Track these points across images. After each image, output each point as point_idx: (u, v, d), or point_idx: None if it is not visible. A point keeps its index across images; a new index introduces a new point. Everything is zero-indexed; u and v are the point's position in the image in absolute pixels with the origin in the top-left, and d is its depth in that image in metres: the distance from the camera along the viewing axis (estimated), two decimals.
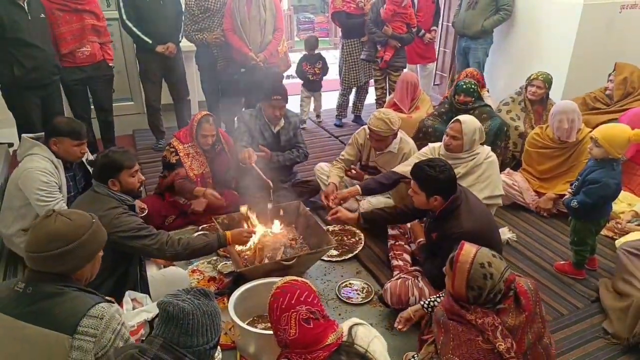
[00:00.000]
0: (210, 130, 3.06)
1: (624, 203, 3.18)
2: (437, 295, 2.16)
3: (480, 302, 1.63)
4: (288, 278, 1.52)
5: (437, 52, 5.42)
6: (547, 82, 3.66)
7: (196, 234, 2.97)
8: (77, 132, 2.55)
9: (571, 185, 2.71)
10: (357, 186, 2.97)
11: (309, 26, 10.59)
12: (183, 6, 3.94)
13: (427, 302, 2.14)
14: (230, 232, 2.35)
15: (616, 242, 2.96)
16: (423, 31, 4.94)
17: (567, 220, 2.79)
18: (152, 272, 2.45)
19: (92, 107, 3.92)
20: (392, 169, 2.98)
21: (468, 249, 1.68)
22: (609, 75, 3.77)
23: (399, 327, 2.18)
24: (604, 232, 2.92)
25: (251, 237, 2.45)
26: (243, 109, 4.12)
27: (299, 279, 1.53)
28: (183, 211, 3.10)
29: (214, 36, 3.86)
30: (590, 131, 2.91)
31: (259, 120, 3.31)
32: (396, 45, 4.44)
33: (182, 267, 2.63)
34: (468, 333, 1.63)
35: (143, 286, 2.25)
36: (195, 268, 2.74)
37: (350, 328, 1.51)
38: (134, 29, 3.74)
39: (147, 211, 2.77)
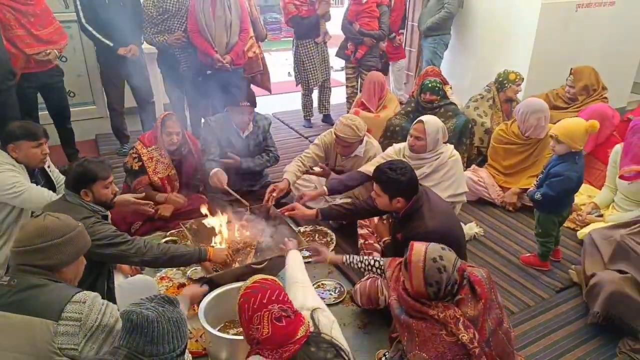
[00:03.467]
0: (174, 127, 2.99)
1: (584, 195, 3.30)
2: (372, 257, 2.22)
3: (441, 297, 1.67)
4: (256, 277, 1.52)
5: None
6: (522, 79, 3.82)
7: (164, 240, 2.92)
8: (33, 132, 2.47)
9: (537, 178, 2.78)
10: (324, 187, 2.97)
11: (276, 26, 10.55)
12: None
13: (355, 260, 2.22)
14: (213, 250, 2.33)
15: (578, 233, 3.07)
16: (394, 34, 5.01)
17: (532, 214, 2.87)
18: (119, 281, 2.38)
19: (49, 114, 3.78)
20: (357, 169, 3.00)
21: (418, 248, 1.72)
22: (567, 78, 3.89)
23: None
24: (566, 223, 3.01)
25: (231, 258, 2.43)
26: (210, 115, 4.08)
27: (268, 277, 1.53)
28: (149, 217, 3.02)
29: (175, 38, 3.78)
30: (549, 133, 3.00)
31: (226, 125, 3.26)
32: (371, 42, 4.46)
33: (150, 275, 2.56)
34: (432, 328, 1.66)
35: (110, 298, 2.18)
36: (164, 275, 2.68)
37: (312, 315, 1.54)
38: (93, 31, 3.63)
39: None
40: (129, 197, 2.71)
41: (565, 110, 3.86)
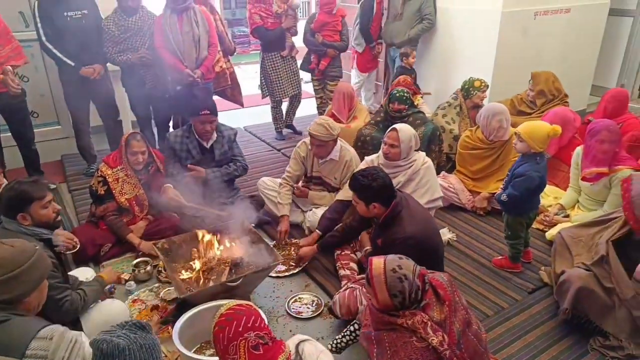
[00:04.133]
0: (139, 147, 2.94)
1: (551, 197, 3.39)
2: (346, 329, 2.16)
3: (407, 305, 1.69)
4: (231, 303, 1.48)
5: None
6: (487, 86, 3.93)
7: (136, 261, 2.85)
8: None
9: (504, 182, 2.85)
10: (317, 231, 3.04)
11: (244, 40, 10.54)
12: None
13: (334, 343, 2.14)
14: (103, 273, 2.42)
15: (546, 234, 3.15)
16: (374, 43, 5.08)
17: (502, 217, 2.93)
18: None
19: (12, 136, 3.66)
20: (336, 198, 3.08)
21: (376, 262, 1.74)
22: (529, 82, 4.02)
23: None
24: (534, 225, 3.09)
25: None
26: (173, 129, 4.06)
27: (243, 302, 1.50)
28: (119, 239, 2.95)
29: (138, 56, 3.72)
30: (515, 132, 3.09)
31: (188, 138, 3.23)
32: (334, 54, 4.53)
33: (121, 299, 2.50)
34: (402, 337, 1.67)
35: (73, 321, 2.10)
36: (136, 298, 2.61)
37: (297, 346, 1.50)
38: (55, 50, 3.55)
39: (78, 246, 2.57)
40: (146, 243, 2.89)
41: (530, 115, 3.98)
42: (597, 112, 3.77)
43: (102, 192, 2.96)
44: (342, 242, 2.87)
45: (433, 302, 1.73)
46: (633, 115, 3.82)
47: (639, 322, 2.19)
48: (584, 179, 3.06)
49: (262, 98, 4.94)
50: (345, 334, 2.13)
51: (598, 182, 3.00)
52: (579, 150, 3.15)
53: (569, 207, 3.26)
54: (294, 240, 3.13)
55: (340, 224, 2.95)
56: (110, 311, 2.23)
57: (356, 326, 2.12)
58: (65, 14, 3.51)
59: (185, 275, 2.52)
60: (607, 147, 2.90)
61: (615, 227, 2.39)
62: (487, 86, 3.91)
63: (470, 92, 3.89)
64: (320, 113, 4.89)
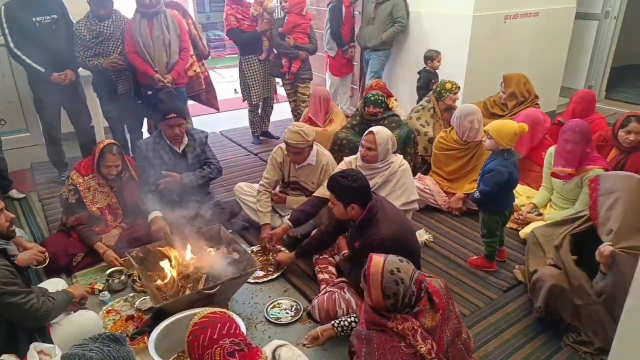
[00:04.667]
0: (114, 161, 2.89)
1: (524, 196, 3.47)
2: (348, 316, 2.19)
3: (399, 309, 1.69)
4: (205, 311, 1.46)
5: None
6: (458, 87, 3.99)
7: (109, 270, 2.79)
8: None
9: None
10: (288, 221, 2.99)
11: (219, 44, 10.47)
12: None
13: (337, 322, 2.15)
14: (71, 287, 2.32)
15: (520, 232, 3.21)
16: (347, 46, 5.10)
17: (477, 217, 2.98)
18: (59, 318, 2.24)
19: None
20: (314, 194, 3.05)
21: (376, 260, 1.74)
22: (501, 84, 4.10)
23: (304, 342, 2.17)
24: (508, 224, 3.14)
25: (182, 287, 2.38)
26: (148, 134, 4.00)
27: (217, 310, 1.48)
28: (92, 248, 2.88)
29: (110, 61, 3.65)
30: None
31: (159, 144, 3.18)
32: (305, 56, 4.54)
33: (95, 310, 2.44)
34: (391, 340, 1.67)
35: (41, 335, 2.03)
36: (110, 308, 2.55)
37: (274, 351, 1.49)
38: (23, 56, 3.46)
39: (47, 260, 2.51)
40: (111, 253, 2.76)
41: (502, 117, 4.06)
42: (566, 113, 3.88)
43: (73, 201, 2.89)
44: (319, 248, 2.86)
45: (426, 309, 1.73)
46: (600, 116, 3.95)
47: (594, 315, 2.26)
48: (553, 174, 3.13)
49: (243, 101, 4.92)
50: (349, 319, 2.13)
51: (570, 181, 3.07)
52: (551, 150, 3.22)
53: (542, 206, 3.34)
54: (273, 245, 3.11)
55: (317, 230, 2.94)
56: (82, 323, 2.17)
57: (353, 317, 2.13)
58: (33, 19, 3.43)
59: (160, 282, 2.47)
60: (571, 147, 2.98)
61: (579, 222, 2.46)
62: (459, 88, 3.98)
63: (442, 94, 3.96)
64: (295, 116, 4.89)
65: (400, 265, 1.71)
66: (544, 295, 2.33)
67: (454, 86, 3.95)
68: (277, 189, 3.37)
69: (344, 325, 2.12)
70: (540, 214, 3.29)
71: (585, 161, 3.01)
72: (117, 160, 2.91)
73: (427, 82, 4.47)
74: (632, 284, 1.38)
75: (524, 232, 3.15)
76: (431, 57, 4.49)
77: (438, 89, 3.98)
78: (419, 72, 4.60)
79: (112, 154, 2.89)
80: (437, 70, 4.52)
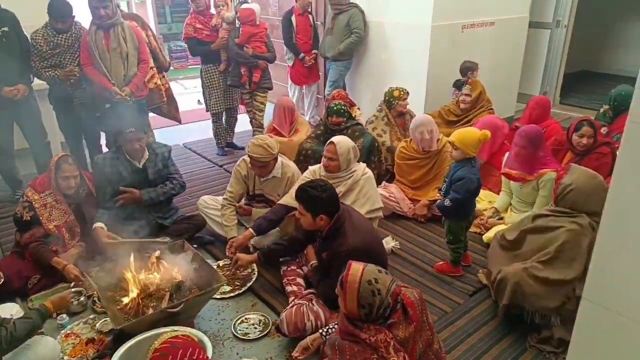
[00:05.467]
0: (70, 171, 2.79)
1: (485, 201, 3.55)
2: (335, 322, 2.19)
3: (372, 319, 1.69)
4: (166, 336, 1.41)
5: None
6: (407, 93, 4.06)
7: (65, 291, 2.66)
8: None
9: (439, 190, 2.96)
10: (250, 229, 2.95)
11: (182, 54, 10.33)
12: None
13: (325, 330, 2.15)
14: (51, 300, 2.20)
15: (483, 237, 3.28)
16: (302, 54, 5.13)
17: (442, 223, 3.03)
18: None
19: None
20: (279, 202, 3.01)
21: (355, 268, 1.73)
22: (463, 88, 4.20)
23: (296, 354, 2.16)
24: (471, 229, 3.21)
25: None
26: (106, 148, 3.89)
27: (179, 332, 1.43)
28: (49, 268, 2.75)
29: (66, 72, 3.55)
30: (447, 140, 3.24)
31: (118, 159, 3.09)
32: (265, 65, 4.52)
33: (53, 335, 2.32)
34: (363, 352, 1.66)
35: None
36: (69, 332, 2.44)
37: None
38: None
39: (2, 279, 2.39)
40: (72, 267, 2.64)
41: (457, 123, 4.18)
42: (522, 119, 4.02)
43: (28, 218, 2.77)
44: (284, 254, 2.82)
45: (400, 321, 1.72)
46: (555, 121, 4.10)
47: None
48: (504, 174, 3.23)
49: (207, 111, 4.87)
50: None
51: (527, 183, 3.17)
52: (508, 155, 3.32)
53: (503, 209, 3.43)
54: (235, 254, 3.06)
55: (286, 236, 2.90)
56: (38, 350, 2.06)
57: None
58: None
59: (123, 301, 2.38)
60: (517, 151, 3.10)
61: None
62: (407, 93, 4.04)
63: (391, 102, 4.04)
64: (254, 125, 4.84)
65: (378, 275, 1.71)
66: (509, 293, 2.38)
67: (402, 92, 4.03)
68: (243, 201, 3.33)
69: (333, 332, 2.10)
70: (501, 218, 3.37)
71: (539, 165, 3.11)
72: (74, 170, 2.81)
73: None
74: (585, 288, 1.43)
75: (487, 236, 3.23)
76: (471, 68, 4.54)
77: (387, 98, 4.07)
78: (457, 85, 4.62)
79: (68, 163, 2.80)
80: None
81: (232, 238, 3.04)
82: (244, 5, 4.56)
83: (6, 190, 3.91)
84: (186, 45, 4.78)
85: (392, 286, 1.72)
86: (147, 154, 3.14)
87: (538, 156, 3.10)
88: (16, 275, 2.67)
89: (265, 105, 4.80)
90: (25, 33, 3.54)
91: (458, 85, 4.55)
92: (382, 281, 1.70)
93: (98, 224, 2.91)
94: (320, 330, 2.17)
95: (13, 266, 2.71)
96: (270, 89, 4.78)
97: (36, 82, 3.71)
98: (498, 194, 3.54)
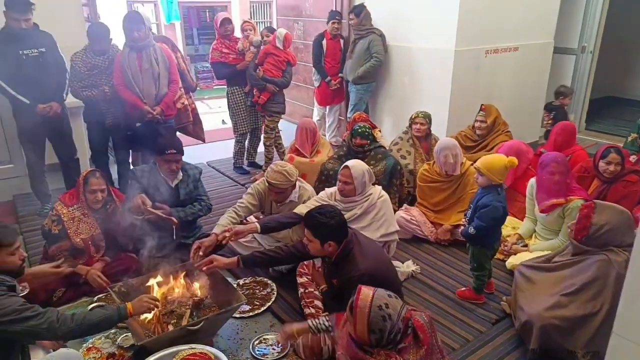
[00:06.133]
0: (98, 184, 2.86)
1: (509, 227, 3.49)
2: (327, 318, 2.17)
3: (383, 344, 1.66)
4: (184, 353, 1.42)
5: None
6: (427, 118, 4.04)
7: (91, 306, 2.72)
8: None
9: (465, 215, 2.92)
10: (256, 223, 2.85)
11: (208, 75, 10.59)
12: (67, 64, 3.73)
13: (314, 323, 2.16)
14: (131, 303, 2.14)
15: (506, 263, 3.22)
16: (329, 77, 5.24)
17: (465, 248, 2.98)
18: (39, 358, 2.16)
19: None
20: (294, 210, 3.00)
21: (365, 293, 1.72)
22: (477, 115, 4.19)
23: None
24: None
25: (155, 302, 2.25)
26: (133, 167, 3.98)
27: (197, 350, 1.44)
28: (73, 282, 2.81)
29: (102, 91, 3.70)
30: (472, 164, 3.21)
31: (154, 176, 3.16)
32: (273, 89, 4.56)
33: (75, 347, 2.36)
34: None
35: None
36: (91, 346, 2.47)
37: None
38: (8, 88, 3.45)
39: (27, 290, 2.46)
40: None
41: (474, 149, 4.14)
42: (547, 144, 3.97)
43: (57, 232, 2.84)
44: (268, 264, 2.82)
45: (411, 346, 1.70)
46: (581, 147, 4.04)
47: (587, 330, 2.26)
48: (542, 211, 3.17)
49: (234, 132, 4.96)
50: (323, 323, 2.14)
51: (552, 212, 3.11)
52: (532, 181, 3.28)
53: (527, 236, 3.36)
54: (258, 279, 3.07)
55: (276, 246, 2.76)
56: None
57: (327, 323, 2.14)
58: (20, 52, 3.44)
59: (144, 317, 2.40)
60: (558, 179, 3.04)
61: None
62: (425, 117, 4.01)
63: (411, 125, 4.07)
64: (266, 147, 4.84)
65: (389, 300, 1.70)
66: (537, 337, 2.33)
67: (418, 115, 4.02)
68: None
69: (322, 327, 2.15)
70: (525, 245, 3.31)
71: (567, 192, 3.06)
72: (102, 183, 2.89)
73: (563, 115, 4.66)
74: (615, 323, 1.39)
75: (510, 262, 3.16)
76: (564, 93, 4.64)
77: (411, 121, 4.08)
78: (548, 108, 4.64)
79: (96, 177, 2.88)
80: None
81: (213, 233, 2.89)
82: (280, 30, 4.62)
83: (35, 203, 4.02)
84: (212, 69, 4.88)
85: (402, 311, 1.71)
86: (181, 174, 3.21)
87: (566, 183, 3.05)
88: (42, 288, 2.72)
89: (272, 128, 4.77)
90: (61, 54, 3.70)
91: (549, 108, 4.61)
92: (393, 306, 1.69)
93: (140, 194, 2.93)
94: (310, 322, 2.16)
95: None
96: (281, 113, 4.78)
97: (69, 100, 3.85)
98: (522, 220, 3.48)
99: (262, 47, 4.58)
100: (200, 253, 2.71)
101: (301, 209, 2.90)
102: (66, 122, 3.87)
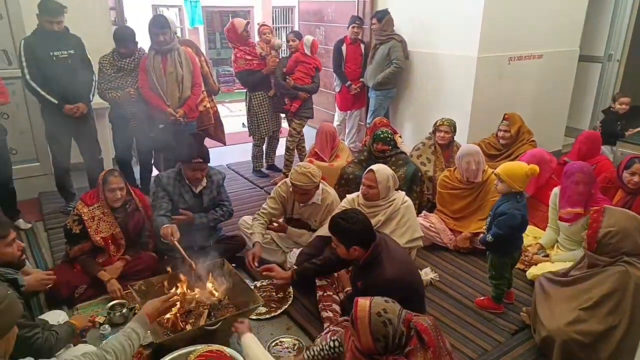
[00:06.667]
0: (116, 183, 2.90)
1: (530, 236, 3.43)
2: (333, 337, 2.14)
3: (390, 350, 1.66)
4: (200, 350, 1.44)
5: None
6: (452, 126, 3.99)
7: (110, 303, 2.76)
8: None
9: (486, 223, 2.88)
10: (291, 272, 2.84)
11: (229, 78, 10.72)
12: (95, 66, 3.82)
13: (310, 352, 2.13)
14: (146, 309, 2.10)
15: (527, 273, 3.16)
16: (349, 82, 5.25)
17: (485, 256, 2.94)
18: (59, 352, 2.20)
19: None
20: (316, 233, 3.05)
21: (362, 304, 1.73)
22: (500, 124, 4.14)
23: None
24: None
25: (173, 301, 2.28)
26: (157, 171, 4.05)
27: (214, 348, 1.46)
28: (95, 280, 2.87)
29: (127, 93, 3.79)
30: (493, 172, 3.17)
31: (179, 181, 3.18)
32: (305, 96, 4.61)
33: (95, 344, 2.39)
34: None
35: None
36: None
37: None
38: (38, 88, 3.55)
39: (50, 284, 2.53)
40: (115, 283, 2.72)
41: (497, 158, 4.09)
42: (572, 154, 3.90)
43: (77, 231, 2.90)
44: (319, 274, 2.80)
45: (417, 349, 1.70)
46: (605, 157, 3.96)
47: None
48: (561, 219, 3.11)
49: (249, 136, 5.01)
50: (325, 348, 2.08)
51: (576, 222, 3.05)
52: (556, 190, 3.22)
53: (549, 246, 3.30)
54: (274, 281, 3.07)
55: (321, 257, 2.83)
56: None
57: (337, 343, 2.06)
58: (51, 53, 3.54)
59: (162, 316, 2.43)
60: (582, 189, 2.98)
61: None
62: (449, 125, 3.97)
63: (435, 132, 4.04)
64: (289, 150, 4.90)
65: (386, 305, 1.71)
66: (559, 354, 2.29)
67: (443, 123, 3.99)
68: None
69: (323, 355, 2.09)
70: (547, 255, 3.25)
71: (591, 202, 3.00)
72: (120, 182, 2.92)
73: (611, 123, 4.67)
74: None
75: (531, 272, 3.11)
76: (614, 97, 4.63)
77: (435, 127, 4.05)
78: (604, 111, 4.66)
79: (114, 176, 2.92)
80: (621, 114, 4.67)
81: (255, 242, 3.05)
82: (308, 37, 4.69)
83: (60, 201, 4.12)
84: (238, 78, 4.88)
85: (402, 313, 1.72)
86: (205, 181, 3.23)
87: (590, 193, 2.99)
88: (65, 284, 2.79)
89: (298, 132, 4.85)
90: (89, 56, 3.80)
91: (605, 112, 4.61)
92: (392, 310, 1.70)
93: (173, 225, 2.94)
94: (305, 354, 2.15)
95: (63, 276, 2.83)
96: (310, 117, 4.86)
97: (95, 101, 3.94)
98: (544, 229, 3.42)
99: (283, 51, 4.62)
100: (256, 263, 2.96)
101: (324, 231, 2.92)
102: (92, 122, 3.96)
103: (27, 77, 3.54)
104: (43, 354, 1.92)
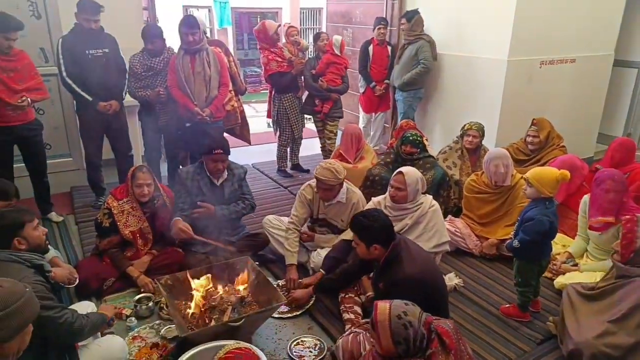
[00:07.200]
0: (144, 179, 2.98)
1: (559, 244, 3.35)
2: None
3: (411, 353, 1.65)
4: (229, 347, 1.46)
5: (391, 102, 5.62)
6: (481, 130, 3.92)
7: (138, 296, 2.82)
8: (4, 191, 2.40)
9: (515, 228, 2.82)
10: (321, 271, 2.96)
11: (256, 79, 10.83)
12: (127, 64, 3.92)
13: None
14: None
15: (554, 282, 3.09)
16: (374, 83, 5.24)
17: (511, 264, 2.89)
18: (87, 342, 2.26)
19: (25, 167, 3.75)
20: (340, 237, 3.05)
21: (382, 307, 1.72)
22: (529, 129, 4.06)
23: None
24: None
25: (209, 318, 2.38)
26: (181, 164, 4.11)
27: (242, 345, 1.48)
28: (122, 273, 2.94)
29: (155, 93, 3.88)
30: (522, 177, 3.11)
31: (199, 175, 3.24)
32: (336, 97, 4.65)
33: (122, 335, 2.46)
34: None
35: (71, 356, 2.05)
36: (136, 335, 2.57)
37: None
38: (74, 85, 3.67)
39: (77, 281, 2.62)
40: (144, 278, 2.88)
41: (526, 163, 4.00)
42: (604, 161, 3.79)
43: (107, 225, 2.98)
44: (339, 285, 2.81)
45: (439, 351, 1.69)
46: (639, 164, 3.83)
47: None
48: (591, 227, 3.03)
49: (275, 135, 5.09)
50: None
51: (607, 231, 2.97)
52: (586, 198, 3.14)
53: (578, 255, 3.22)
54: (298, 281, 3.09)
55: (338, 269, 2.86)
56: (109, 347, 2.20)
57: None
58: (87, 51, 3.65)
59: (188, 310, 2.48)
60: (613, 197, 2.90)
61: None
62: (478, 129, 3.91)
63: (463, 135, 3.98)
64: (324, 154, 4.99)
65: (406, 308, 1.70)
66: None
67: (472, 127, 3.93)
68: (305, 226, 3.37)
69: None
70: (575, 264, 3.17)
71: (623, 211, 2.91)
72: (148, 178, 3.00)
73: None
74: None
75: (559, 281, 3.04)
76: None
77: (462, 131, 3.99)
78: None
79: (142, 172, 3.00)
80: None
81: (290, 265, 3.08)
82: (336, 37, 4.72)
83: (91, 196, 4.23)
84: (267, 81, 4.93)
85: (422, 316, 1.70)
86: (226, 173, 3.29)
87: (622, 201, 2.90)
88: (94, 277, 2.87)
89: (335, 133, 4.95)
90: (122, 55, 3.90)
91: None
92: (412, 312, 1.69)
93: (177, 218, 3.06)
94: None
95: (92, 268, 2.92)
96: (341, 117, 4.93)
97: (126, 99, 4.04)
98: (573, 237, 3.33)
99: (310, 52, 4.66)
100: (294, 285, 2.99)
101: (348, 235, 2.92)
102: (123, 120, 4.06)
103: (64, 74, 3.66)
104: (74, 333, 1.96)
